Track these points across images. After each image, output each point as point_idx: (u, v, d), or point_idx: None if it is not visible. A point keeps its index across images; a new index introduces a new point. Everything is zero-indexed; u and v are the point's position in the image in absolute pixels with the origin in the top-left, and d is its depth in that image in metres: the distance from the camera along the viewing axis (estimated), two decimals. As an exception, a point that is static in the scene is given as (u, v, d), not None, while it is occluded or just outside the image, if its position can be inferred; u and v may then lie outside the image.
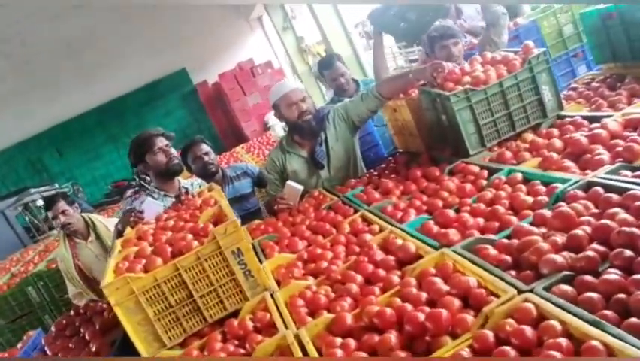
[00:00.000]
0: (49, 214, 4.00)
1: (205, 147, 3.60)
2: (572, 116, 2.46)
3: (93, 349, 2.30)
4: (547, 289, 1.35)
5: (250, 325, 1.90)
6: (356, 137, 3.15)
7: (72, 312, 2.87)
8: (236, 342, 1.86)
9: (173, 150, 3.13)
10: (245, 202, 3.50)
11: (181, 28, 11.62)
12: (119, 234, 2.74)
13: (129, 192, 10.22)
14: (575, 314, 1.21)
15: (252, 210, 3.53)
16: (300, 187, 2.92)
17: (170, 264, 1.98)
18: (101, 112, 12.47)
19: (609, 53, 2.87)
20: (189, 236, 2.13)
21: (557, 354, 1.12)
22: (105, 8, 10.84)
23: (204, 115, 12.32)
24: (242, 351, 1.79)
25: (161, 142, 3.08)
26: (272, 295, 2.00)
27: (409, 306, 1.54)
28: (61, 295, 5.13)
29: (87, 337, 2.45)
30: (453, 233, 1.86)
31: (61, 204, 3.90)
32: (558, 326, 1.20)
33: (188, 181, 3.35)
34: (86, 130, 12.57)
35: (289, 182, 2.97)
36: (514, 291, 1.38)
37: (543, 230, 1.66)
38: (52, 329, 2.72)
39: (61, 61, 11.25)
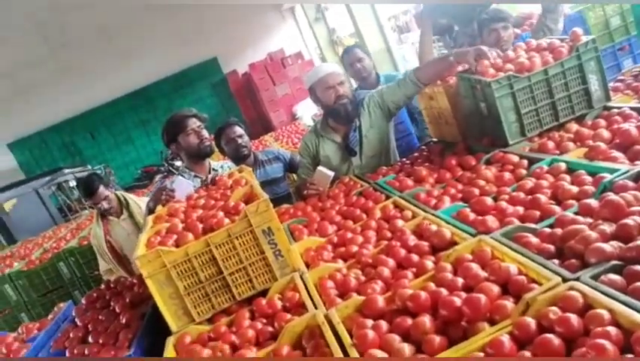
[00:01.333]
0: (89, 201, 4.06)
1: (239, 130, 3.60)
2: (619, 108, 2.36)
3: (123, 321, 2.31)
4: (595, 278, 1.28)
5: (279, 304, 1.87)
6: (391, 124, 3.10)
7: (103, 286, 2.90)
8: (265, 320, 1.84)
9: (205, 132, 3.13)
10: (275, 186, 3.49)
11: (213, 18, 11.68)
12: (150, 211, 2.75)
13: (158, 177, 10.38)
14: (624, 303, 1.14)
15: (281, 195, 3.51)
16: (331, 173, 2.89)
17: (202, 239, 1.97)
18: (132, 98, 12.66)
19: (660, 44, 2.75)
20: (220, 213, 2.11)
21: (606, 343, 1.06)
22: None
23: (234, 104, 12.39)
24: (270, 329, 1.77)
25: (194, 123, 3.08)
26: (301, 277, 1.98)
27: (444, 291, 1.49)
28: (91, 271, 5.22)
29: (117, 309, 2.46)
30: (491, 220, 1.80)
31: (102, 190, 3.95)
32: (607, 315, 1.14)
33: (218, 163, 3.35)
34: (118, 115, 12.79)
35: (320, 167, 2.93)
36: (559, 279, 1.31)
37: (589, 220, 1.58)
38: (83, 301, 2.75)
39: (97, 47, 11.42)
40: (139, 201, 4.20)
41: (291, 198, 3.62)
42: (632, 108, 2.29)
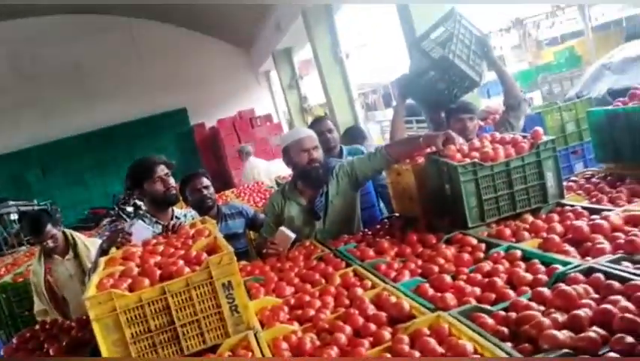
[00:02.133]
0: (34, 239, 3.90)
1: (206, 181, 3.61)
2: (572, 205, 2.50)
3: (55, 366, 2.19)
4: (548, 363, 1.32)
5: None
6: (358, 194, 3.17)
7: (37, 326, 2.74)
8: (212, 378, 1.78)
9: (171, 180, 3.11)
10: (236, 241, 3.46)
11: (188, 70, 11.88)
12: (103, 252, 2.67)
13: (106, 220, 10.06)
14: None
15: (241, 251, 3.48)
16: (293, 235, 2.91)
17: (158, 286, 1.92)
18: (92, 137, 12.45)
19: (611, 152, 2.96)
20: (181, 262, 2.08)
21: None
22: (119, 37, 11.09)
23: (196, 156, 12.36)
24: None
25: (162, 170, 3.06)
26: (255, 336, 1.94)
27: (401, 362, 1.50)
28: (22, 311, 4.90)
29: (51, 352, 2.33)
30: (450, 298, 1.84)
31: (49, 228, 3.79)
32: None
33: (182, 211, 3.31)
34: (75, 153, 12.50)
35: (282, 228, 2.95)
36: (514, 361, 1.35)
37: (542, 308, 1.64)
38: (14, 340, 2.59)
39: (65, 83, 11.36)
40: (87, 242, 4.05)
41: (249, 255, 3.60)
42: (583, 207, 2.44)
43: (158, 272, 2.03)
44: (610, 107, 2.97)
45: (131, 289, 1.96)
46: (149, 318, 1.90)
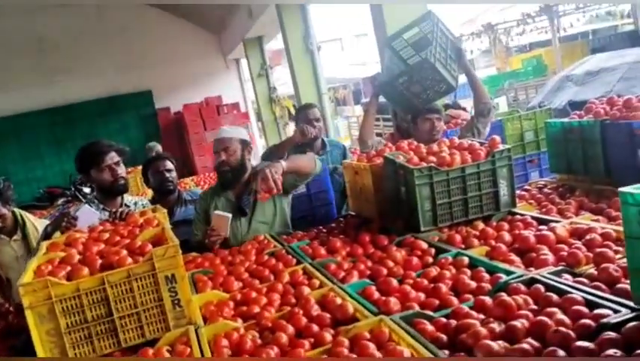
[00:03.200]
0: None
1: (169, 164, 3.55)
2: (522, 215, 2.54)
3: (-13, 352, 2.11)
4: (481, 374, 1.33)
5: (166, 356, 1.78)
6: (287, 198, 3.18)
7: (-27, 309, 2.63)
8: (148, 373, 1.73)
9: (121, 169, 3.01)
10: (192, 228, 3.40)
11: (158, 51, 11.61)
12: (47, 236, 2.58)
13: (61, 201, 9.77)
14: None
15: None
16: (229, 215, 2.89)
17: (97, 276, 1.86)
18: (52, 114, 12.05)
19: (565, 164, 3.02)
20: (124, 252, 2.02)
21: None
22: (86, 13, 10.77)
23: (159, 140, 12.09)
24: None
25: (111, 159, 2.96)
26: (196, 331, 1.90)
27: (338, 366, 1.49)
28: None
29: (-16, 336, 2.24)
30: (394, 302, 1.84)
31: None
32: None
33: (132, 199, 3.23)
34: (32, 129, 12.08)
35: (216, 211, 2.94)
36: (448, 370, 1.35)
37: (482, 316, 1.66)
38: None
39: (27, 56, 10.97)
40: (37, 223, 3.91)
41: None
42: (532, 217, 2.48)
43: (99, 261, 1.97)
44: (566, 120, 3.03)
45: (69, 277, 1.90)
46: (86, 308, 1.84)
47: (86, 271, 1.91)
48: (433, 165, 2.52)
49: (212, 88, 11.91)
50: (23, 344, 2.09)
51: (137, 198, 3.32)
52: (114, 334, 1.89)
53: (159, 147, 8.88)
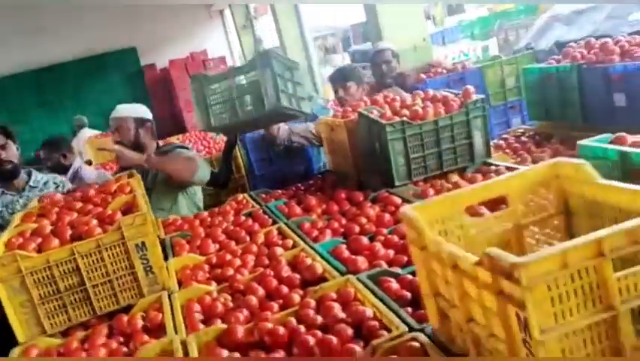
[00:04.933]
0: None
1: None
2: (497, 165, 2.53)
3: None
4: (438, 331, 1.35)
5: (140, 323, 1.81)
6: (189, 190, 3.22)
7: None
8: (122, 339, 1.77)
9: (8, 151, 2.91)
10: None
11: (136, 6, 11.28)
12: None
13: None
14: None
15: None
16: None
17: (67, 247, 1.87)
18: (38, 76, 11.84)
19: (543, 110, 2.99)
20: (94, 221, 2.02)
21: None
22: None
23: (147, 98, 11.90)
24: (124, 349, 1.70)
25: None
26: (169, 296, 1.93)
27: (302, 328, 1.51)
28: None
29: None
30: (362, 261, 1.85)
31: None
32: (439, 370, 1.21)
33: (44, 178, 3.11)
34: (19, 90, 11.90)
35: None
36: (406, 328, 1.38)
37: (447, 271, 1.68)
38: None
39: (7, 17, 10.66)
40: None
41: None
42: (507, 167, 2.47)
43: (69, 232, 1.97)
44: (543, 65, 2.98)
45: (40, 249, 1.90)
46: (58, 279, 1.86)
47: (56, 242, 1.92)
48: (405, 119, 2.49)
49: (197, 42, 11.64)
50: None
51: (51, 176, 3.19)
52: (88, 302, 1.91)
53: (84, 119, 8.72)
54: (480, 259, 0.98)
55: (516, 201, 1.39)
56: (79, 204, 2.30)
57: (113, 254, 1.91)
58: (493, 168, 2.53)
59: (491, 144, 2.72)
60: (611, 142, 1.57)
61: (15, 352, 1.77)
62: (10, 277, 1.81)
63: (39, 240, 1.94)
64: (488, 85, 3.71)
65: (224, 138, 5.45)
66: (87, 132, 8.33)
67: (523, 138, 3.02)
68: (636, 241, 0.89)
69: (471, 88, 2.64)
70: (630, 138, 1.55)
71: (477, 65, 3.78)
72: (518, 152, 2.81)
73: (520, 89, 3.90)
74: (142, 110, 3.10)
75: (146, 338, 1.71)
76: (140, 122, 3.03)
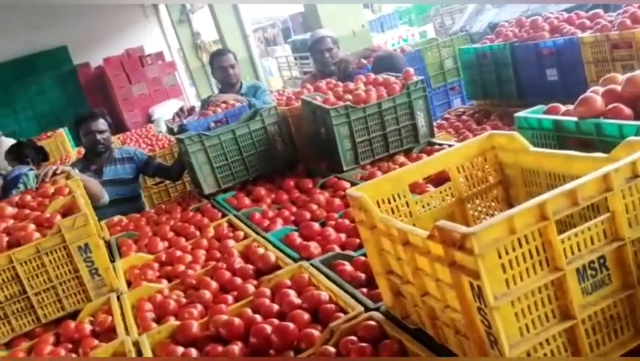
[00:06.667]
0: None
1: (102, 124, 3.33)
2: (440, 144, 2.58)
3: None
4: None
5: (88, 328, 1.74)
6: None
7: None
8: (70, 346, 1.69)
9: None
10: (122, 187, 3.28)
11: (67, 4, 10.79)
12: None
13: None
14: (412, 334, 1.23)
15: (125, 197, 3.31)
16: None
17: (4, 255, 1.77)
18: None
19: (481, 89, 3.07)
20: (32, 226, 1.92)
21: (392, 374, 1.13)
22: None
23: (83, 99, 11.47)
24: (74, 356, 1.63)
25: None
26: (118, 298, 1.86)
27: (258, 317, 1.49)
28: None
29: None
30: (314, 246, 1.85)
31: None
32: (396, 345, 1.22)
33: (22, 168, 3.02)
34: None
35: None
36: (362, 308, 1.38)
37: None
38: None
39: None
40: None
41: (137, 200, 3.52)
42: (450, 146, 2.52)
43: (6, 239, 1.87)
44: (478, 46, 3.05)
45: (-26, 259, 1.79)
46: (-3, 289, 1.76)
47: (-9, 250, 1.81)
48: (349, 103, 2.49)
49: (132, 38, 11.27)
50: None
51: (24, 168, 3.11)
52: (32, 311, 1.83)
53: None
54: (431, 232, 0.99)
55: (457, 175, 1.42)
56: (14, 210, 2.18)
57: (54, 259, 1.83)
58: (437, 147, 2.57)
59: (434, 124, 2.76)
60: (544, 112, 1.62)
61: (-46, 369, 1.66)
62: (-57, 291, 1.69)
63: (-27, 250, 1.82)
64: (428, 67, 3.76)
65: (167, 136, 5.35)
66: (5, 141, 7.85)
67: (464, 117, 3.10)
68: (576, 202, 0.92)
69: (411, 70, 2.68)
70: (563, 108, 1.61)
71: (416, 48, 3.82)
72: (460, 130, 2.87)
73: (458, 70, 3.98)
74: None
75: (95, 342, 1.65)
76: None
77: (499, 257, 0.88)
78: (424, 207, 1.43)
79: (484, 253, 0.86)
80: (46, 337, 1.75)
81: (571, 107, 1.56)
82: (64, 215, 2.00)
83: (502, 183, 1.43)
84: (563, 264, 0.91)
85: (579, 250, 0.93)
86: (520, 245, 0.89)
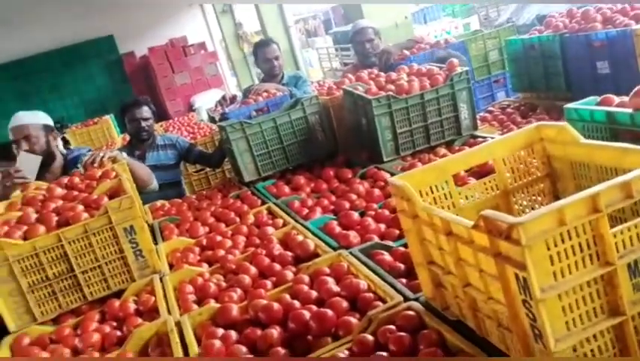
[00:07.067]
0: None
1: (145, 112, 3.45)
2: (484, 137, 2.53)
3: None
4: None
5: (132, 307, 1.79)
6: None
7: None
8: (114, 323, 1.75)
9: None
10: (163, 172, 3.36)
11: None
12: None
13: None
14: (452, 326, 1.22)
15: (168, 182, 3.39)
16: (38, 157, 2.65)
17: (53, 233, 1.83)
18: (14, 67, 11.60)
19: (527, 82, 2.99)
20: (80, 207, 1.99)
21: (431, 364, 1.13)
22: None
23: (127, 87, 11.75)
24: (118, 333, 1.68)
25: None
26: (161, 280, 1.91)
27: (296, 303, 1.51)
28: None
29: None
30: (353, 235, 1.85)
31: None
32: (435, 336, 1.21)
33: (81, 149, 3.14)
34: (-6, 84, 11.65)
35: (23, 152, 2.69)
36: (401, 298, 1.38)
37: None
38: None
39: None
40: None
41: (178, 186, 3.60)
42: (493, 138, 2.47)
43: (55, 218, 1.94)
44: (526, 37, 2.97)
45: (25, 237, 1.87)
46: (46, 266, 1.83)
47: (42, 229, 1.88)
48: (391, 93, 2.47)
49: (176, 28, 11.45)
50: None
51: (83, 149, 3.23)
52: (79, 288, 1.89)
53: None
54: (476, 222, 0.97)
55: (502, 167, 1.39)
56: (63, 191, 2.25)
57: (101, 239, 1.88)
58: (480, 140, 2.53)
59: (477, 117, 2.71)
60: (597, 104, 1.57)
61: (6, 340, 1.74)
62: (-3, 265, 1.77)
63: (24, 228, 1.90)
64: (472, 59, 3.69)
65: (208, 124, 5.43)
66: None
67: (508, 110, 3.03)
68: (630, 195, 0.89)
69: (455, 61, 2.63)
70: (617, 99, 1.55)
71: (460, 40, 3.75)
72: (504, 123, 2.81)
73: (503, 63, 3.89)
74: (45, 117, 2.95)
75: (139, 320, 1.70)
76: (48, 128, 2.89)
77: (548, 249, 0.86)
78: (466, 198, 1.40)
79: (532, 244, 0.85)
80: (92, 314, 1.81)
81: (625, 99, 1.50)
82: (110, 197, 2.05)
83: (550, 176, 1.40)
84: (614, 258, 0.88)
85: (632, 244, 0.90)
86: (570, 237, 0.87)
